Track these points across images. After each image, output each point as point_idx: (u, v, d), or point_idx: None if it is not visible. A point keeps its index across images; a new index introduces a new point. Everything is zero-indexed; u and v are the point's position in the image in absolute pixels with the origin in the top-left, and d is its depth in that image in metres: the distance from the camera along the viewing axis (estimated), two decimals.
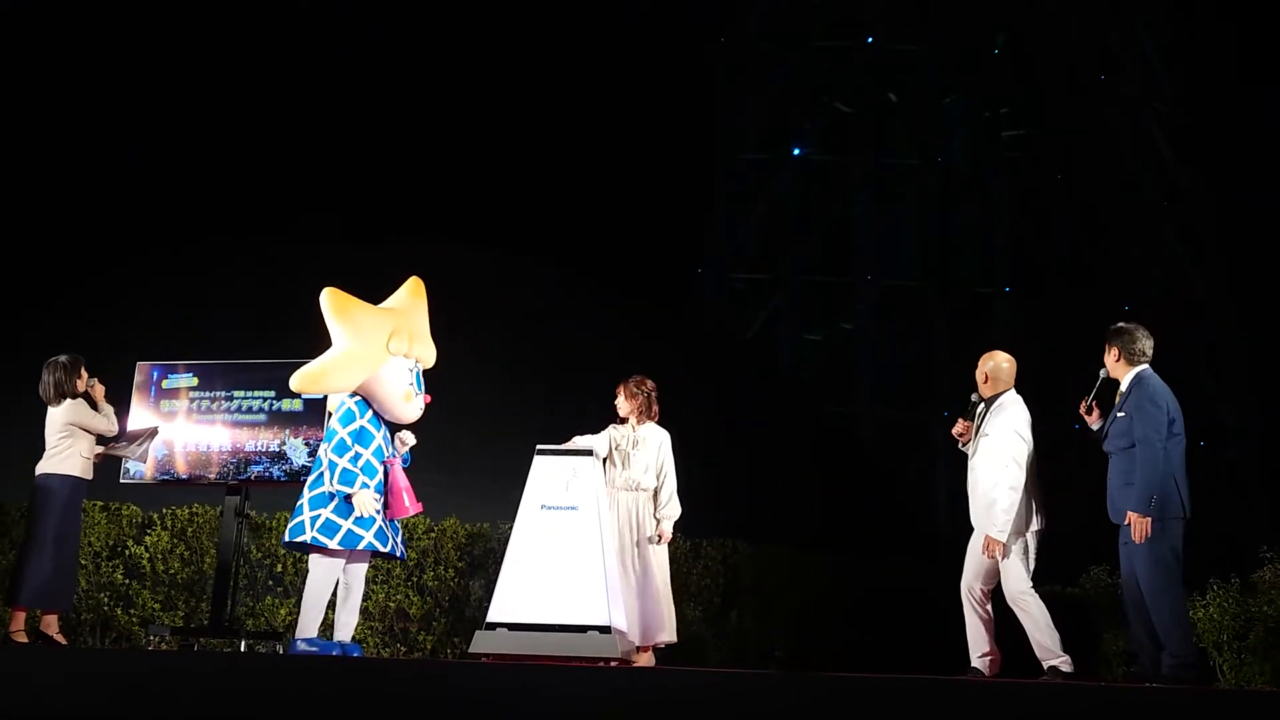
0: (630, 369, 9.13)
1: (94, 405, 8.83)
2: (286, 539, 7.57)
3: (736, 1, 45.31)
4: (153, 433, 9.15)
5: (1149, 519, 7.03)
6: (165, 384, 9.43)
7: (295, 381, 7.57)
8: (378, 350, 7.53)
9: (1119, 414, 7.42)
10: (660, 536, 8.74)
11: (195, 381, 9.38)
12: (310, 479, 7.61)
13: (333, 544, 7.35)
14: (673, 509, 8.82)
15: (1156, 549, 7.06)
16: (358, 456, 7.43)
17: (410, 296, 8.04)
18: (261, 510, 10.69)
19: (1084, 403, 7.73)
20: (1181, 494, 7.12)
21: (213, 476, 9.22)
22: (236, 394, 9.27)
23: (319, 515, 7.37)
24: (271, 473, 9.10)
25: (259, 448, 9.15)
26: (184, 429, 9.31)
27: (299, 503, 7.53)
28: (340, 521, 7.36)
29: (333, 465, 7.39)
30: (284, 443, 9.13)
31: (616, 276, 19.25)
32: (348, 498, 7.37)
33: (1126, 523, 7.16)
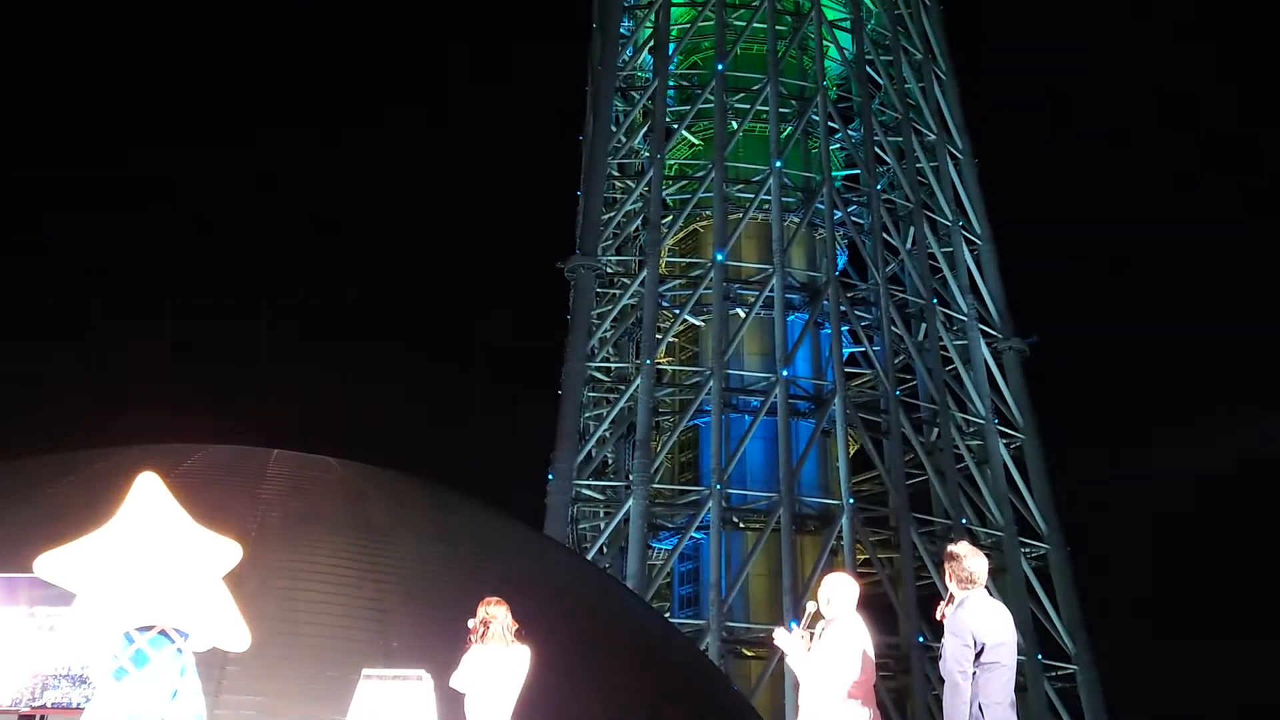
0: (476, 584, 8.83)
1: None
2: None
3: (589, 217, 47.03)
4: None
5: None
6: None
7: None
8: None
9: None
10: None
11: None
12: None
13: None
14: None
15: None
16: None
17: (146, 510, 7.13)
18: None
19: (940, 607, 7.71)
20: None
21: (4, 703, 8.42)
22: (39, 609, 8.58)
23: None
24: (70, 699, 8.36)
25: (59, 670, 8.43)
26: None
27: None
28: None
29: None
30: (87, 665, 8.45)
31: (463, 488, 19.00)
32: None
33: None
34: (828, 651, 7.78)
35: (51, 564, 6.77)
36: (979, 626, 7.24)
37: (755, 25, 47.96)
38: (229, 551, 7.19)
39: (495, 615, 8.49)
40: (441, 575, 13.66)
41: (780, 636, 8.05)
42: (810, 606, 8.07)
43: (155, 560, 6.78)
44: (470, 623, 8.53)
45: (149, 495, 7.04)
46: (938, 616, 7.67)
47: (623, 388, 44.05)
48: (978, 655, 7.16)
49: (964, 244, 48.55)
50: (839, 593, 8.05)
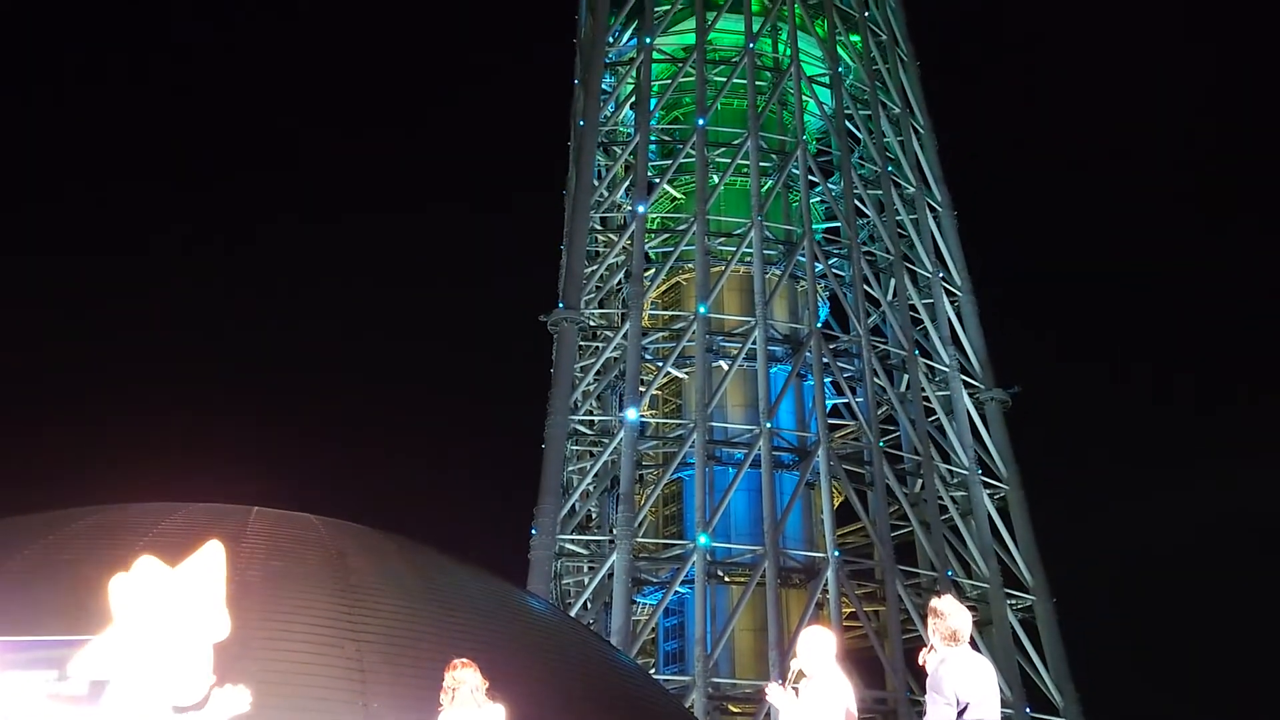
0: (457, 644, 8.74)
1: None
2: None
3: (571, 270, 47.19)
4: None
5: None
6: None
7: None
8: None
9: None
10: None
11: None
12: None
13: None
14: None
15: None
16: None
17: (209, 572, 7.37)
18: None
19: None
20: None
21: None
22: (10, 674, 8.44)
23: None
24: None
25: None
26: None
27: None
28: None
29: None
30: None
31: (444, 545, 18.90)
32: None
33: None
34: (810, 708, 7.74)
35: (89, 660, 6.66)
36: (960, 685, 7.25)
37: (735, 81, 48.54)
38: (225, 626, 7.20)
39: (463, 680, 8.44)
40: (422, 635, 13.50)
41: (773, 692, 8.02)
42: (795, 664, 8.06)
43: (188, 642, 6.72)
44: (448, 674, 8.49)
45: (205, 567, 7.00)
46: (920, 663, 7.68)
47: (606, 441, 43.91)
48: (961, 713, 7.16)
49: (944, 296, 48.88)
50: (816, 648, 8.05)
